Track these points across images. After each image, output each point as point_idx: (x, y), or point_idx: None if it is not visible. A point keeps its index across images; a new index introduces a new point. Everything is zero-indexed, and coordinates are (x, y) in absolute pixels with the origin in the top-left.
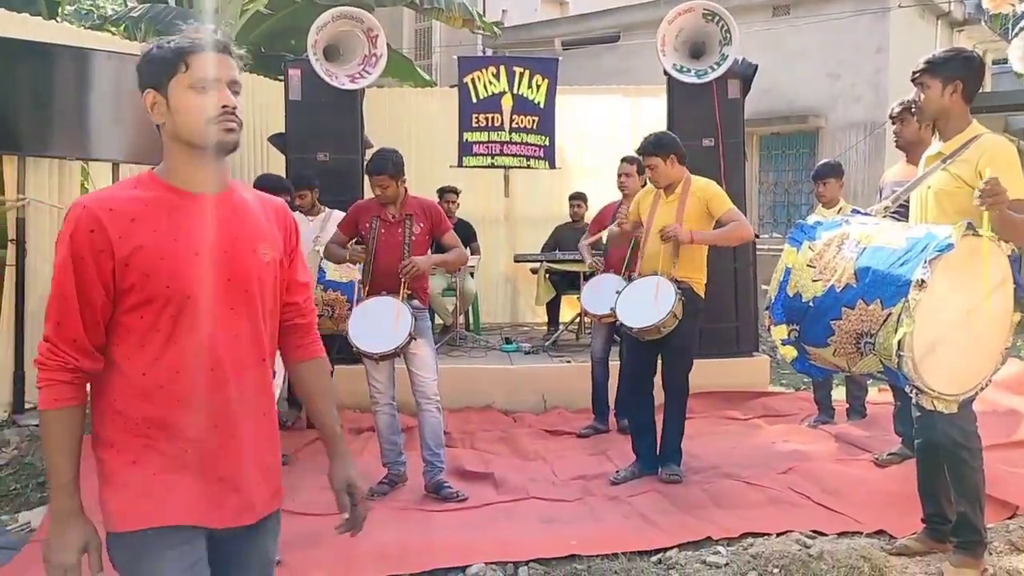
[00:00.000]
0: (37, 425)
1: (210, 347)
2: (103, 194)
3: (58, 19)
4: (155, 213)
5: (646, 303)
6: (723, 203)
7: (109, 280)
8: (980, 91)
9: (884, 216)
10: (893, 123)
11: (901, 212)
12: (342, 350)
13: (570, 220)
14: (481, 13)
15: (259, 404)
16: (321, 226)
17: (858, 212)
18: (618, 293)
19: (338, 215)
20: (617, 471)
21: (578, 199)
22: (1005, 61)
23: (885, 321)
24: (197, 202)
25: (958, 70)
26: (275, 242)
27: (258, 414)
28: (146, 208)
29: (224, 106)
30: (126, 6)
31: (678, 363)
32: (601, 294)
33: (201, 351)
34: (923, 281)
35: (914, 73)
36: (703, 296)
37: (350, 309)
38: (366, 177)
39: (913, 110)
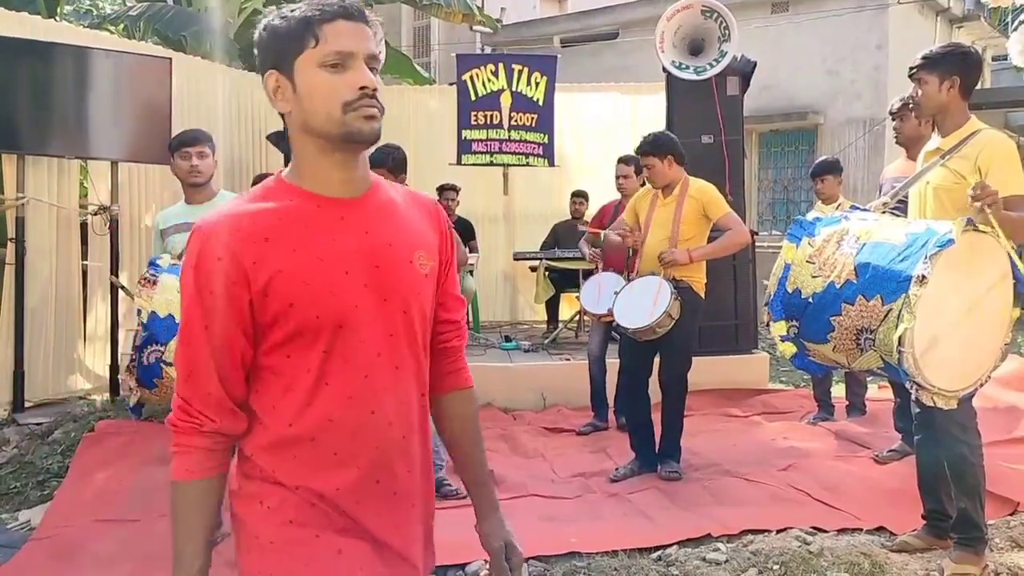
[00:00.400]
0: (38, 423)
1: (369, 385)
2: (228, 212)
3: (57, 18)
4: (291, 227)
5: (643, 304)
6: (720, 207)
7: (247, 316)
8: (980, 87)
9: (883, 212)
10: (893, 120)
11: (900, 208)
12: None
13: (570, 217)
14: (480, 7)
15: (421, 450)
16: None
17: (857, 208)
18: (616, 293)
19: None
20: (617, 468)
21: (579, 196)
22: (1005, 57)
23: (885, 317)
24: (338, 208)
25: (955, 65)
26: (432, 250)
27: (421, 462)
28: (280, 223)
29: (363, 87)
30: (125, 5)
31: (676, 361)
32: (600, 292)
33: (359, 391)
34: (924, 277)
35: (911, 69)
36: (703, 295)
37: None
38: None
39: (911, 106)
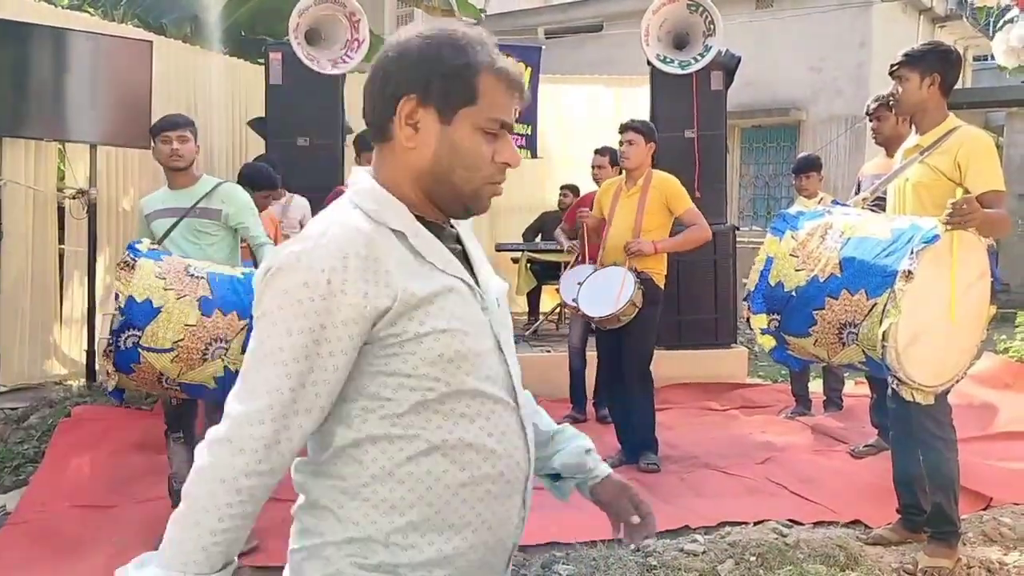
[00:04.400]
0: (13, 408)
1: None
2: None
3: None
4: None
5: (607, 293)
6: (683, 202)
7: None
8: (961, 87)
9: (863, 208)
10: (870, 120)
11: (878, 204)
12: None
13: (558, 209)
14: None
15: None
16: (282, 212)
17: (838, 203)
18: (579, 284)
19: (299, 201)
20: (604, 458)
21: (567, 189)
22: (986, 57)
23: (870, 311)
24: None
25: (936, 63)
26: None
27: None
28: None
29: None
30: None
31: (638, 352)
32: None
33: None
34: (910, 272)
35: (892, 66)
36: (662, 288)
37: None
38: (346, 161)
39: (891, 103)
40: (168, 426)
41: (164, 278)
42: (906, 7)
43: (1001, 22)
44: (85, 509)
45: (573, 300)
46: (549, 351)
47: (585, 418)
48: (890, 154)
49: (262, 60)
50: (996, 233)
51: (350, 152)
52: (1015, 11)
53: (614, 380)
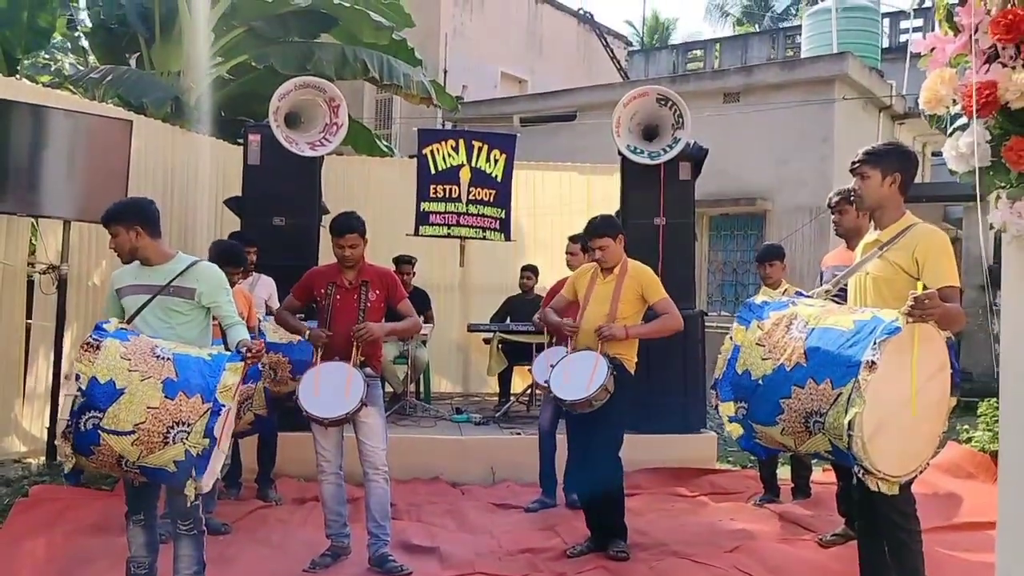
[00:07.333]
0: None
1: None
2: None
3: (18, 76)
4: None
5: (580, 377)
6: (657, 291)
7: None
8: (920, 182)
9: (826, 299)
10: (832, 213)
11: (840, 296)
12: (287, 415)
13: (521, 292)
14: (442, 85)
15: None
16: (249, 289)
17: (801, 294)
18: (552, 367)
19: (266, 280)
20: (573, 546)
21: (529, 271)
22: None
23: (835, 401)
24: None
25: (897, 163)
26: None
27: None
28: None
29: None
30: (86, 65)
31: (608, 438)
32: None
33: None
34: (873, 363)
35: (854, 163)
36: (633, 373)
37: (292, 371)
38: (321, 241)
39: (852, 198)
40: (129, 508)
41: (129, 359)
42: (867, 105)
43: (951, 128)
44: None
45: (546, 381)
46: (519, 433)
47: (555, 503)
48: (850, 246)
49: (241, 141)
50: (951, 327)
51: (325, 233)
52: (964, 119)
53: (583, 465)
